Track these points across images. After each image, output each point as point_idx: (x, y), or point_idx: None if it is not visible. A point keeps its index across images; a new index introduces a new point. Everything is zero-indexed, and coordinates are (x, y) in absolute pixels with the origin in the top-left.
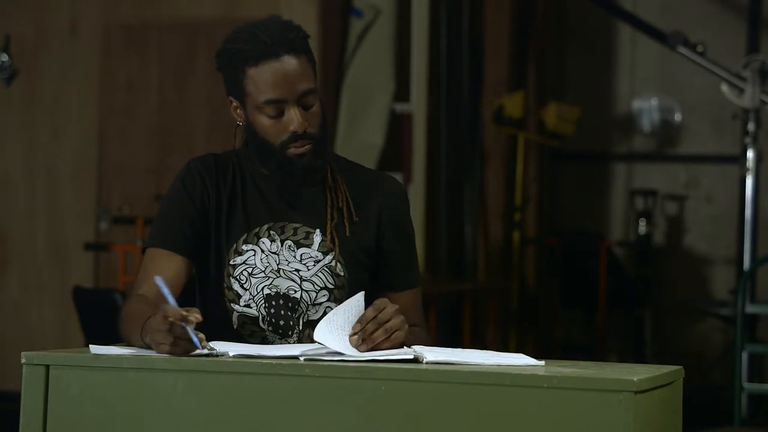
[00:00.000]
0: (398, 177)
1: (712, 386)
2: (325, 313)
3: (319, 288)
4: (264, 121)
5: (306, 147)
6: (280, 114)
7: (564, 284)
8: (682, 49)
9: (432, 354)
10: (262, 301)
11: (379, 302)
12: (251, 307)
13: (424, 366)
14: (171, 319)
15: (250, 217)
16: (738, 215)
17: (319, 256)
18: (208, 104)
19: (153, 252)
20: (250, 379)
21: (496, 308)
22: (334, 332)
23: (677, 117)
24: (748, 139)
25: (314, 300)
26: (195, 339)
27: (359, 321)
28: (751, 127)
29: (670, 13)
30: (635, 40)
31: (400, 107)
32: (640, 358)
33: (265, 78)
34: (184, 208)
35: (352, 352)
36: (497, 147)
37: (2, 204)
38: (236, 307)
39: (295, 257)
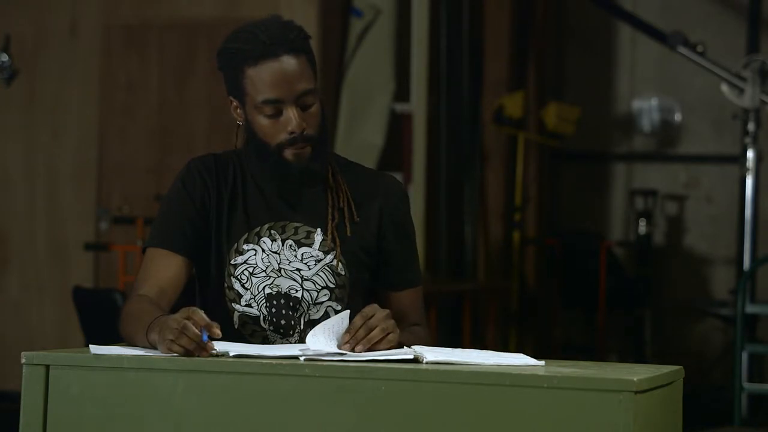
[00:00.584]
0: (398, 177)
1: (712, 386)
2: (326, 313)
3: (320, 287)
4: (262, 121)
5: (304, 149)
6: (278, 114)
7: (564, 284)
8: (682, 49)
9: (432, 354)
10: (264, 301)
11: (368, 309)
12: (252, 307)
13: (424, 366)
14: (194, 319)
15: (250, 217)
16: (738, 215)
17: (320, 255)
18: (208, 104)
19: (153, 252)
20: (250, 379)
21: (496, 308)
22: (324, 342)
23: (677, 117)
24: (748, 139)
25: (315, 299)
26: (205, 336)
27: (348, 331)
28: (751, 127)
29: (670, 13)
30: (635, 40)
31: (400, 107)
32: (640, 358)
33: (263, 78)
34: (185, 208)
35: (350, 352)
36: (497, 147)
37: (2, 204)
38: (237, 306)
39: (296, 256)
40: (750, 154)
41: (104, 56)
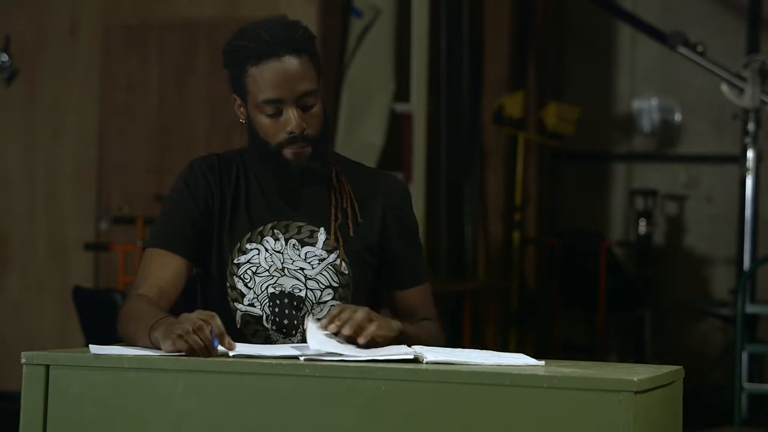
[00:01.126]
0: (398, 177)
1: (712, 386)
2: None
3: (323, 286)
4: (263, 120)
5: (303, 149)
6: (279, 114)
7: (564, 284)
8: (682, 49)
9: (432, 354)
10: (267, 300)
11: (334, 310)
12: (255, 306)
13: (424, 366)
14: (212, 324)
15: (253, 216)
16: (738, 215)
17: (324, 254)
18: (208, 104)
19: (153, 252)
20: (250, 379)
21: (496, 308)
22: (323, 340)
23: (677, 117)
24: (748, 139)
25: (319, 299)
26: (216, 343)
27: (327, 318)
28: (751, 127)
29: (670, 13)
30: (635, 40)
31: (400, 107)
32: (640, 358)
33: (265, 77)
34: (186, 209)
35: (350, 352)
36: (497, 147)
37: (2, 204)
38: (239, 306)
39: (299, 256)
40: (750, 154)
41: (104, 56)
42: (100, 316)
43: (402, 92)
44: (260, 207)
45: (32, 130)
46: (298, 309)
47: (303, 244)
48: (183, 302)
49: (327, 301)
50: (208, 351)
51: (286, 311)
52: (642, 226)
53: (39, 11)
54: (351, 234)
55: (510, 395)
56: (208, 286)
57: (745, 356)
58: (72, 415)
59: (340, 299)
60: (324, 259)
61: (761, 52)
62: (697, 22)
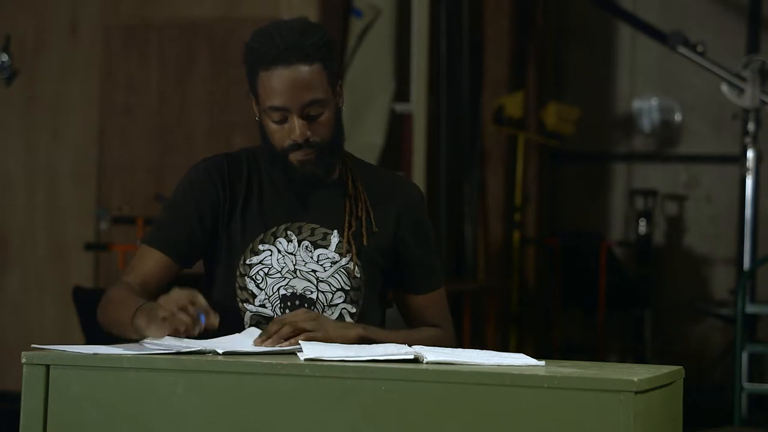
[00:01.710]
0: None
1: (712, 386)
2: (341, 314)
3: (335, 289)
4: (270, 125)
5: (308, 155)
6: (285, 120)
7: (564, 284)
8: (682, 49)
9: (432, 354)
10: (278, 302)
11: (277, 320)
12: (266, 308)
13: (424, 366)
14: (196, 302)
15: (267, 217)
16: (738, 215)
17: (336, 257)
18: (208, 104)
19: (145, 249)
20: (250, 379)
21: (496, 308)
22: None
23: (677, 117)
24: (748, 139)
25: (330, 301)
26: (203, 319)
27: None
28: (751, 127)
29: (670, 13)
30: (635, 40)
31: (400, 107)
32: (640, 358)
33: (272, 84)
34: (185, 213)
35: (346, 353)
36: (497, 147)
37: (2, 204)
38: (250, 306)
39: (312, 258)
40: (750, 154)
41: (104, 56)
42: None
43: (402, 92)
44: (274, 208)
45: (32, 130)
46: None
47: (316, 246)
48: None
49: (338, 304)
50: (196, 328)
51: None
52: (642, 226)
53: (39, 11)
54: (365, 243)
55: (510, 395)
56: (214, 286)
57: (745, 356)
58: (72, 415)
59: (351, 302)
60: (336, 261)
61: (761, 52)
62: (697, 22)
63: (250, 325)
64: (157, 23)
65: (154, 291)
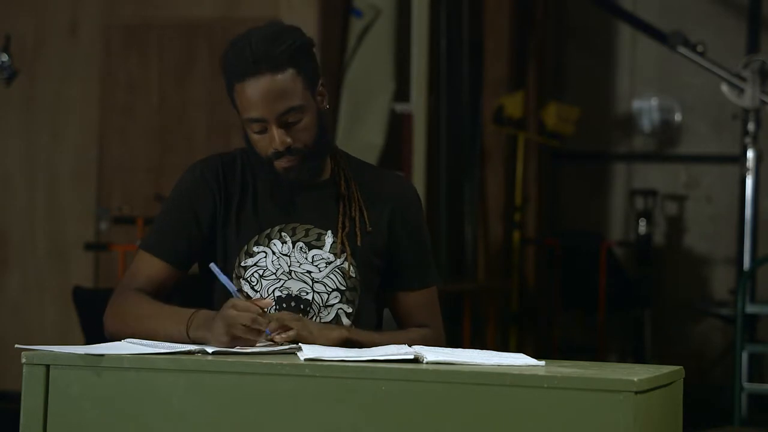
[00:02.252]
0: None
1: (712, 386)
2: (337, 315)
3: (330, 289)
4: (252, 135)
5: (291, 162)
6: (265, 130)
7: (564, 284)
8: (682, 49)
9: (432, 354)
10: (273, 304)
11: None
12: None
13: (424, 366)
14: (265, 323)
15: (261, 219)
16: (738, 215)
17: (331, 257)
18: (208, 104)
19: (145, 256)
20: (250, 379)
21: (496, 308)
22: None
23: (677, 117)
24: (748, 139)
25: (326, 302)
26: (268, 332)
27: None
28: (751, 127)
29: (670, 13)
30: (635, 40)
31: (400, 107)
32: (640, 358)
33: (246, 96)
34: (184, 220)
35: (344, 354)
36: (497, 147)
37: (2, 204)
38: None
39: (306, 259)
40: (750, 154)
41: (104, 56)
42: (100, 316)
43: (402, 92)
44: (268, 209)
45: (32, 130)
46: (305, 312)
47: (310, 247)
48: (182, 303)
49: (334, 305)
50: (260, 338)
51: None
52: (642, 226)
53: (39, 11)
54: (359, 244)
55: (510, 395)
56: (210, 288)
57: (745, 356)
58: (72, 415)
59: (347, 302)
60: (331, 262)
61: (761, 52)
62: (697, 22)
63: None
64: (157, 23)
65: (157, 298)
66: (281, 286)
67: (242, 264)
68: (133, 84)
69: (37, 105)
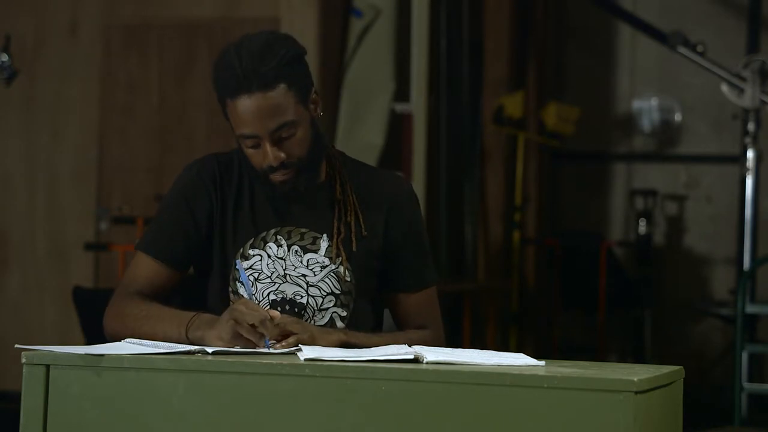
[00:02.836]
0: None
1: (712, 386)
2: (331, 319)
3: (325, 293)
4: (246, 150)
5: (286, 176)
6: (259, 145)
7: (564, 284)
8: (682, 49)
9: (432, 354)
10: (268, 307)
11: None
12: None
13: (424, 366)
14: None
15: (257, 221)
16: (738, 215)
17: (326, 261)
18: (208, 104)
19: (143, 257)
20: (250, 379)
21: (496, 308)
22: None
23: (677, 117)
24: (748, 139)
25: (320, 305)
26: (267, 343)
27: None
28: (751, 127)
29: (670, 13)
30: (635, 40)
31: (400, 107)
32: (640, 358)
33: (238, 113)
34: (181, 220)
35: (344, 354)
36: (497, 147)
37: (2, 204)
38: None
39: (301, 262)
40: (750, 154)
41: (104, 56)
42: (100, 316)
43: (402, 92)
44: (264, 212)
45: (32, 130)
46: (300, 316)
47: (305, 250)
48: (184, 304)
49: (328, 308)
50: (261, 342)
51: None
52: (642, 226)
53: (39, 11)
54: (354, 249)
55: (510, 395)
56: (206, 290)
57: (745, 356)
58: (72, 415)
59: (342, 306)
60: (326, 266)
61: (761, 52)
62: (697, 22)
63: None
64: (157, 23)
65: (157, 299)
66: (276, 289)
67: (238, 267)
68: (133, 84)
69: (37, 105)
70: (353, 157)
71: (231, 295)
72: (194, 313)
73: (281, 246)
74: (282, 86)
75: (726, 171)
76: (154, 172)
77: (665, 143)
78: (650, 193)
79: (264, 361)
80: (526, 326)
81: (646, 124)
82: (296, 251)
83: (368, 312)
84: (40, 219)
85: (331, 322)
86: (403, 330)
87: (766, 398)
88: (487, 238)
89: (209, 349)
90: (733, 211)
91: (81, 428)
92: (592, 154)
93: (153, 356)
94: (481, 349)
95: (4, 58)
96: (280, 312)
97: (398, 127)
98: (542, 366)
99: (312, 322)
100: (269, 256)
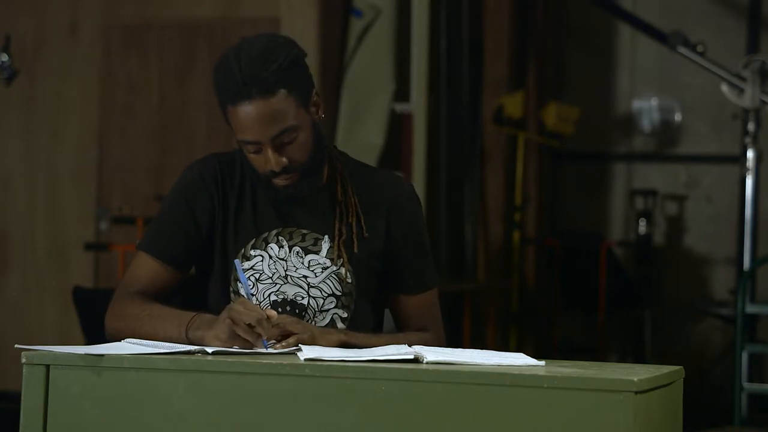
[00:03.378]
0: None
1: (712, 386)
2: (332, 320)
3: (326, 295)
4: (248, 155)
5: (288, 180)
6: (260, 151)
7: (564, 284)
8: (682, 49)
9: (432, 354)
10: (269, 307)
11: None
12: None
13: (424, 366)
14: (264, 328)
15: (258, 222)
16: (738, 215)
17: (327, 262)
18: (208, 104)
19: (144, 257)
20: (250, 379)
21: (496, 308)
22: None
23: (677, 117)
24: (748, 139)
25: (321, 306)
26: (265, 343)
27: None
28: (751, 127)
29: (670, 13)
30: (635, 40)
31: (400, 107)
32: (640, 358)
33: (239, 119)
34: (181, 221)
35: (343, 354)
36: (497, 147)
37: (2, 204)
38: None
39: (302, 263)
40: (750, 154)
41: (104, 56)
42: (100, 316)
43: (402, 92)
44: (266, 212)
45: (32, 130)
46: (301, 317)
47: (307, 252)
48: (182, 303)
49: (329, 309)
50: (258, 342)
51: None
52: (642, 226)
53: (39, 11)
54: (355, 251)
55: (510, 395)
56: (208, 291)
57: (745, 356)
58: (72, 415)
59: (343, 307)
60: (327, 267)
61: (761, 52)
62: (697, 22)
63: None
64: (157, 23)
65: (157, 299)
66: (277, 290)
67: (236, 265)
68: (133, 84)
69: (37, 105)
70: (354, 158)
71: (232, 295)
72: (195, 314)
73: (282, 247)
74: (282, 91)
75: (726, 171)
76: (154, 172)
77: (665, 143)
78: (650, 193)
79: (264, 361)
80: (526, 326)
81: (646, 124)
82: (297, 252)
83: (369, 313)
84: (40, 219)
85: (332, 323)
86: (403, 331)
87: (766, 398)
88: (487, 238)
89: (209, 349)
90: (733, 211)
91: (81, 428)
92: (592, 154)
93: (153, 356)
94: (481, 349)
95: (4, 58)
96: (281, 313)
97: (398, 127)
98: (542, 366)
99: (313, 323)
100: (270, 257)
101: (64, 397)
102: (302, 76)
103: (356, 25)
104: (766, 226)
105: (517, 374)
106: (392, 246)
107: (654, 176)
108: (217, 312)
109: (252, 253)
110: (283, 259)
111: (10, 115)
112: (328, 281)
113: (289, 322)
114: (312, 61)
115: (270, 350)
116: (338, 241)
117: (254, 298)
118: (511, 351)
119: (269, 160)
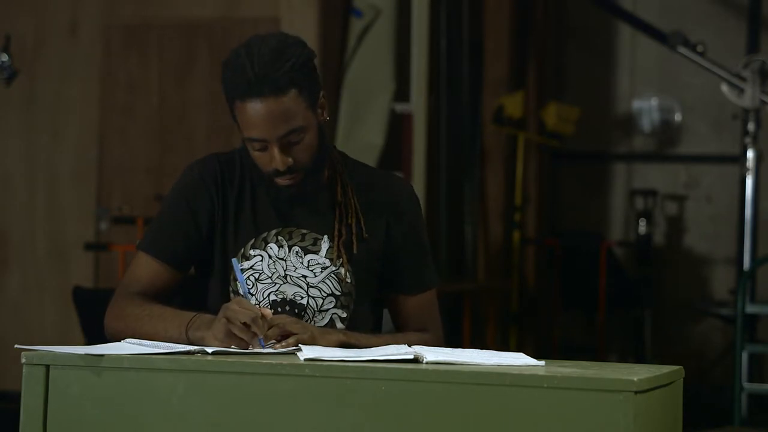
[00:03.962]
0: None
1: (712, 386)
2: (331, 320)
3: (325, 294)
4: (253, 152)
5: (292, 180)
6: (266, 149)
7: (564, 284)
8: (682, 49)
9: (432, 354)
10: (269, 307)
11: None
12: None
13: (424, 366)
14: (260, 328)
15: (258, 222)
16: (738, 215)
17: (327, 262)
18: (208, 104)
19: (144, 257)
20: (250, 379)
21: (496, 308)
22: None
23: (677, 117)
24: (748, 139)
25: (321, 306)
26: (262, 342)
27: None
28: (751, 127)
29: (670, 13)
30: (635, 40)
31: (400, 107)
32: (640, 358)
33: (247, 116)
34: (181, 221)
35: (343, 354)
36: (497, 147)
37: (2, 204)
38: None
39: (302, 263)
40: (750, 154)
41: (104, 56)
42: (100, 316)
43: (402, 92)
44: (266, 212)
45: (32, 130)
46: (300, 317)
47: (306, 251)
48: (182, 303)
49: (329, 309)
50: (255, 341)
51: None
52: (642, 226)
53: (39, 11)
54: (355, 251)
55: (510, 395)
56: (207, 290)
57: (745, 356)
58: (72, 415)
59: (342, 307)
60: (327, 267)
61: (761, 52)
62: (697, 22)
63: None
64: (157, 23)
65: (157, 298)
66: (276, 290)
67: (233, 264)
68: (133, 84)
69: (37, 105)
70: (354, 158)
71: (231, 295)
72: (195, 314)
73: (282, 247)
74: (293, 91)
75: (726, 171)
76: (154, 172)
77: (665, 143)
78: (650, 193)
79: (264, 361)
80: (526, 326)
81: (646, 124)
82: (297, 252)
83: (368, 313)
84: (40, 219)
85: (331, 323)
86: (402, 332)
87: (766, 398)
88: (487, 238)
89: (209, 350)
90: (733, 211)
91: (81, 428)
92: (592, 154)
93: (153, 356)
94: (481, 349)
95: (4, 58)
96: (281, 312)
97: (398, 127)
98: (542, 366)
99: (312, 323)
100: (270, 257)
101: (64, 397)
102: (312, 77)
103: (356, 25)
104: (766, 226)
105: (517, 374)
106: (392, 246)
107: (654, 176)
108: (217, 312)
109: (251, 252)
110: (282, 259)
111: (10, 115)
112: (327, 281)
113: (288, 322)
114: None
115: (270, 350)
116: (338, 241)
117: (253, 298)
118: (511, 351)
119: (275, 159)
